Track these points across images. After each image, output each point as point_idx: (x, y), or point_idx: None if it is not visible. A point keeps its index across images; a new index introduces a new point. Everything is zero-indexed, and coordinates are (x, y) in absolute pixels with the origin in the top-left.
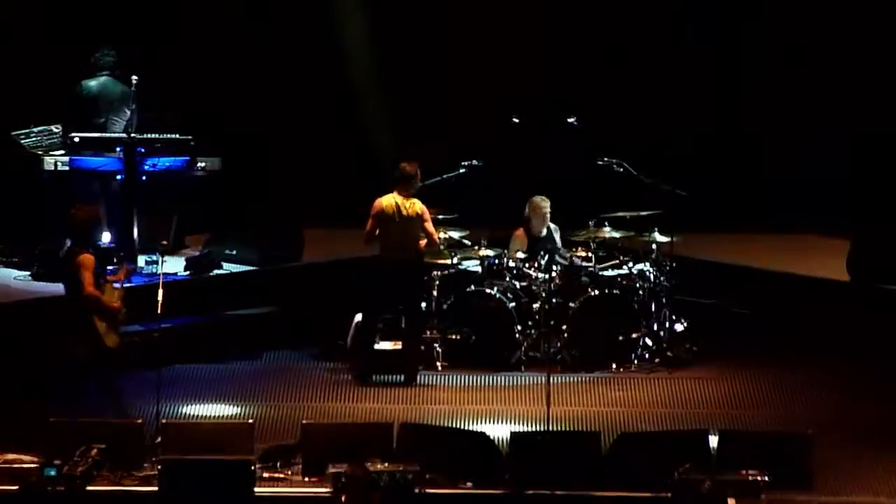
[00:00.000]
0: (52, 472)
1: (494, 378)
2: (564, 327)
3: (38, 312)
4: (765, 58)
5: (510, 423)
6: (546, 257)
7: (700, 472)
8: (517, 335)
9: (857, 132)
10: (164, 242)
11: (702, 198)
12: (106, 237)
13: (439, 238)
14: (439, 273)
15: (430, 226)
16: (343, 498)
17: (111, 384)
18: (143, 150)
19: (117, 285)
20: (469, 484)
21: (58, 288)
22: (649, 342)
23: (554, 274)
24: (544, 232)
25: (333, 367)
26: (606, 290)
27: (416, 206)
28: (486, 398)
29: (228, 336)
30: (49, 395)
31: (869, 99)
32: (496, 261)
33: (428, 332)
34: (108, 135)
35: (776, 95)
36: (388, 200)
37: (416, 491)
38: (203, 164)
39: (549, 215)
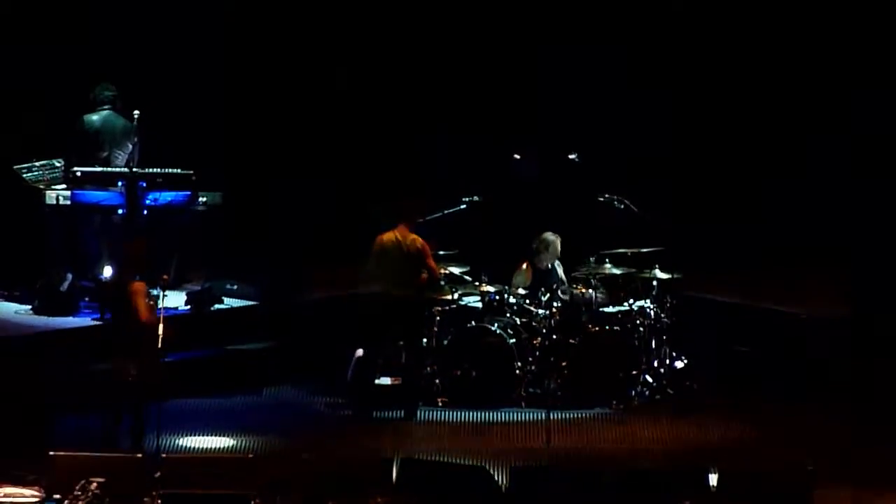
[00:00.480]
0: None
1: (494, 414)
2: (565, 364)
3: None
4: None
5: (510, 458)
6: (547, 294)
7: None
8: (517, 371)
9: (858, 167)
10: (165, 277)
11: (703, 235)
12: (108, 271)
13: (440, 273)
14: (440, 309)
15: (431, 262)
16: None
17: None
18: (144, 184)
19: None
20: None
21: (58, 322)
22: (650, 379)
23: (554, 310)
24: (549, 266)
25: (333, 402)
26: (607, 327)
27: (416, 242)
28: (487, 434)
29: (229, 370)
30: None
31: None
32: (497, 297)
33: (428, 368)
34: (109, 169)
35: (776, 131)
36: (389, 237)
37: None
38: (204, 199)
39: (558, 252)
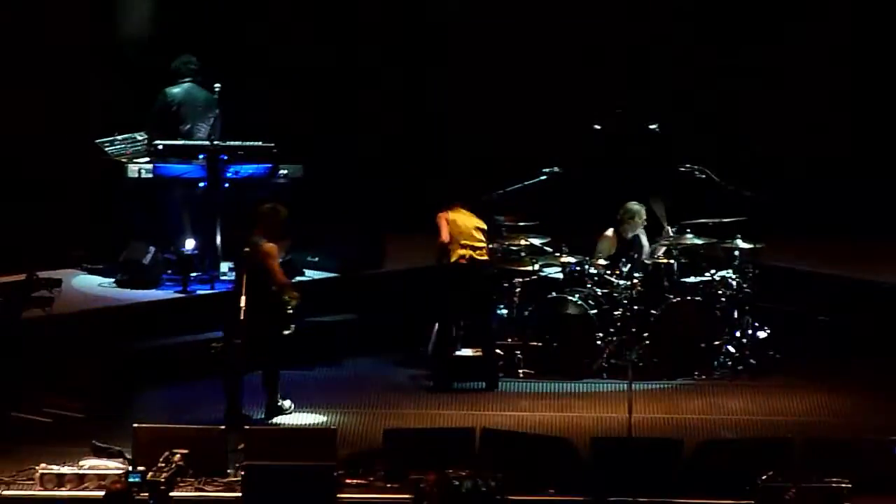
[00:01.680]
0: (137, 478)
1: (576, 385)
2: (646, 334)
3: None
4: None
5: (591, 430)
6: (629, 265)
7: (783, 480)
8: (598, 342)
9: None
10: (247, 249)
11: (785, 204)
12: (190, 244)
13: (519, 244)
14: (521, 280)
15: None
16: None
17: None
18: (225, 157)
19: None
20: (551, 491)
21: (141, 295)
22: (732, 349)
23: (636, 281)
24: (633, 236)
25: (414, 373)
26: (688, 297)
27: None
28: (568, 405)
29: (310, 343)
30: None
31: None
32: (578, 267)
33: (509, 339)
34: (191, 142)
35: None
36: (453, 214)
37: (499, 498)
38: (285, 172)
39: (643, 221)
